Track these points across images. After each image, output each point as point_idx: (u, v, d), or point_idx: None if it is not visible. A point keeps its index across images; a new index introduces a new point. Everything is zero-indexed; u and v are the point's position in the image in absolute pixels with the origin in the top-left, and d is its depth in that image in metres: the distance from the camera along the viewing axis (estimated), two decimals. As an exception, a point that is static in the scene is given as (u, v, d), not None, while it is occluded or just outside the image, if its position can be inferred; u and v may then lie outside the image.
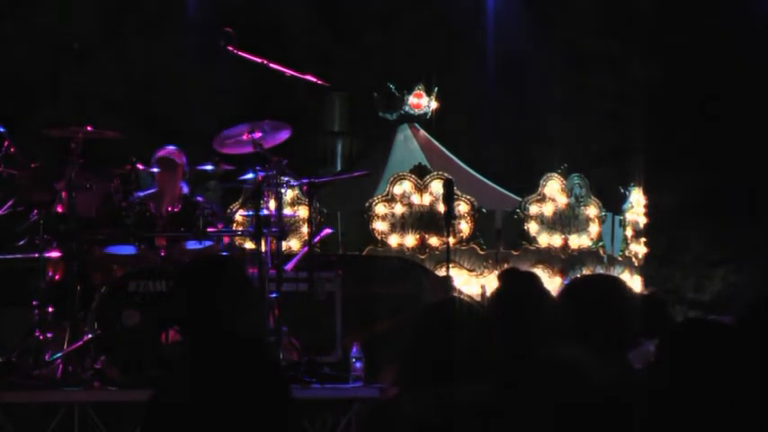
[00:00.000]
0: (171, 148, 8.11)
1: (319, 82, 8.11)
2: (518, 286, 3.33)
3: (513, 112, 17.14)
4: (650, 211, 13.69)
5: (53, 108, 14.34)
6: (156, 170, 7.86)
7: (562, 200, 12.10)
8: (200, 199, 7.99)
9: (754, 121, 16.77)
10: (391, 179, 11.67)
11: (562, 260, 11.99)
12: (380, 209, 11.56)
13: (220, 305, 3.32)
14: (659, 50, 17.44)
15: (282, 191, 7.77)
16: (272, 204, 7.62)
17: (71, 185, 7.18)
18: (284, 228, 7.82)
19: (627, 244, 13.06)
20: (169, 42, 15.50)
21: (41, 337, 7.07)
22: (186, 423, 3.20)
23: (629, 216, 13.14)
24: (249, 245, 9.19)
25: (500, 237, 11.88)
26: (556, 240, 11.98)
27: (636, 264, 13.23)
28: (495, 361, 3.14)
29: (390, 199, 11.58)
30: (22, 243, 7.70)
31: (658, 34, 17.26)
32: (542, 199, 11.99)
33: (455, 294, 9.62)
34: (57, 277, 7.44)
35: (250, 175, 7.70)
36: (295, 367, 7.22)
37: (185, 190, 8.04)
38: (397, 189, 11.59)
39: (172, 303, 3.58)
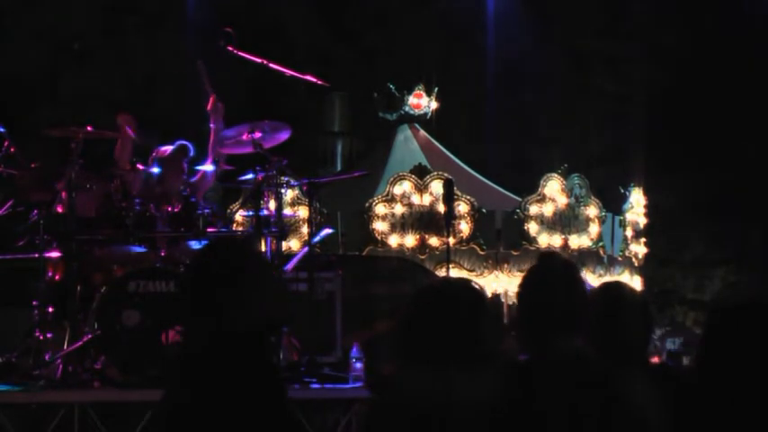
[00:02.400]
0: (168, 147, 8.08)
1: (319, 82, 8.10)
2: (555, 271, 3.28)
3: (513, 112, 17.15)
4: (650, 211, 13.69)
5: (53, 108, 14.35)
6: (156, 170, 7.84)
7: (562, 200, 12.09)
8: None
9: (754, 122, 16.78)
10: (391, 179, 11.67)
11: (562, 260, 11.97)
12: (380, 209, 11.56)
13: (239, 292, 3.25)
14: (659, 50, 17.45)
15: (282, 191, 7.77)
16: (272, 204, 7.61)
17: (71, 185, 7.17)
18: (284, 228, 7.81)
19: (627, 244, 13.06)
20: (169, 42, 15.50)
21: (41, 337, 7.05)
22: (188, 424, 3.19)
23: (629, 216, 13.14)
24: (249, 245, 9.17)
25: (500, 237, 11.88)
26: (556, 240, 11.98)
27: (636, 264, 13.23)
28: (497, 350, 3.13)
29: (390, 199, 11.58)
30: (22, 243, 7.68)
31: (658, 34, 17.28)
32: (542, 199, 11.99)
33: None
34: (57, 277, 7.43)
35: (250, 175, 7.70)
36: (295, 367, 7.22)
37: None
38: (397, 189, 11.59)
39: (181, 294, 3.49)
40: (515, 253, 11.85)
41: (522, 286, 3.32)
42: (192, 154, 7.93)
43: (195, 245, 7.54)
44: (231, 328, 3.24)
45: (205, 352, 3.26)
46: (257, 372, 3.23)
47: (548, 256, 3.39)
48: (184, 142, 7.94)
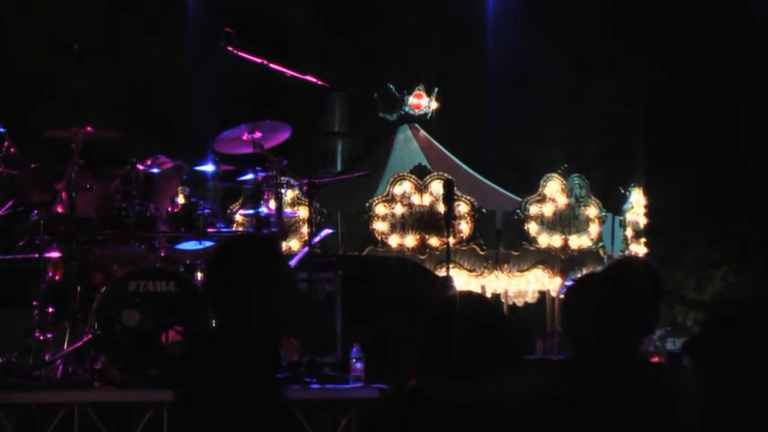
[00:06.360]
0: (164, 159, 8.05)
1: (319, 82, 8.10)
2: (633, 273, 3.30)
3: (513, 111, 17.15)
4: (650, 211, 13.70)
5: (53, 108, 14.35)
6: (155, 170, 7.83)
7: (562, 200, 12.09)
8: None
9: (754, 122, 16.78)
10: (391, 179, 11.67)
11: (562, 260, 11.98)
12: (380, 209, 11.56)
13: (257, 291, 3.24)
14: (659, 51, 17.45)
15: (282, 191, 7.77)
16: (272, 204, 7.61)
17: (71, 185, 7.18)
18: (284, 228, 7.81)
19: (627, 244, 13.06)
20: (169, 42, 15.51)
21: (41, 337, 7.05)
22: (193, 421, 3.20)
23: (630, 216, 13.14)
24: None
25: (500, 237, 11.88)
26: (556, 241, 11.98)
27: (636, 264, 13.22)
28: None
29: (390, 199, 11.58)
30: (22, 243, 7.68)
31: (658, 34, 17.28)
32: (542, 199, 11.98)
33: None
34: (57, 277, 7.42)
35: (250, 175, 7.70)
36: (295, 367, 7.22)
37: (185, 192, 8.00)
38: (397, 189, 11.59)
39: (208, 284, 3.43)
40: (515, 253, 11.85)
41: (596, 286, 3.33)
42: (185, 177, 7.87)
43: (195, 245, 7.54)
44: (258, 328, 3.23)
45: (221, 349, 3.26)
46: (264, 372, 3.24)
47: (628, 259, 3.44)
48: (183, 163, 7.89)
